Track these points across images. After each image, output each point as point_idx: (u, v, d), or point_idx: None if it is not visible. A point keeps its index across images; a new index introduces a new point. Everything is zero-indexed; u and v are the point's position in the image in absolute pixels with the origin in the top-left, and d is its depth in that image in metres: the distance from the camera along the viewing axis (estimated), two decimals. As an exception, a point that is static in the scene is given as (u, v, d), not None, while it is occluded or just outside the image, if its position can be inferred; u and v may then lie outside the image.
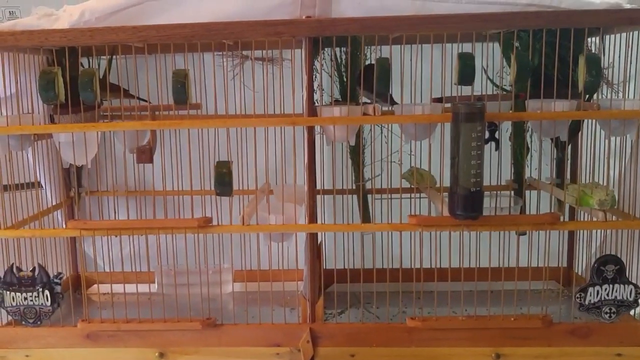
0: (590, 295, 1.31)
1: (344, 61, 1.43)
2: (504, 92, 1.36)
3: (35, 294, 1.37)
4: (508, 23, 1.21)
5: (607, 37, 1.31)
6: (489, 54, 1.29)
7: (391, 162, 1.37)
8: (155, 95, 1.34)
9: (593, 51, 1.35)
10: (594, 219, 1.34)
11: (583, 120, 1.42)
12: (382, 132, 1.45)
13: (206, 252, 1.40)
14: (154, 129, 1.42)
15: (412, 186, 1.47)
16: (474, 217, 1.23)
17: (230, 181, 1.31)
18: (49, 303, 1.37)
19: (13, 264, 1.37)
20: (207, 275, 1.39)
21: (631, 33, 1.28)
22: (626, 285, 1.31)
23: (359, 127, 1.40)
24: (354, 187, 1.51)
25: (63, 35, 1.26)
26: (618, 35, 1.29)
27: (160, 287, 1.62)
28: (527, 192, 1.53)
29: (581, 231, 1.52)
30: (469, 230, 1.29)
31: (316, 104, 1.34)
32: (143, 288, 1.48)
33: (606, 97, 1.41)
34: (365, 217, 1.51)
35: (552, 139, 1.45)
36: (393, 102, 1.37)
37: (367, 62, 1.41)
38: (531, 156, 1.49)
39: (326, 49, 1.37)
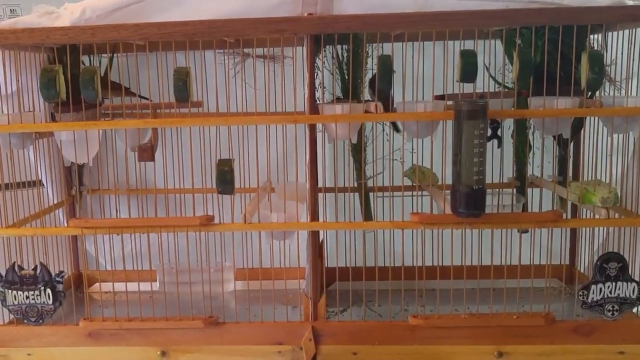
0: (593, 292, 1.31)
1: (345, 59, 1.43)
2: (506, 90, 1.36)
3: (37, 292, 1.37)
4: (510, 20, 1.21)
5: (610, 33, 1.31)
6: (491, 51, 1.28)
7: (393, 160, 1.37)
8: (156, 93, 1.34)
9: (595, 48, 1.34)
10: (597, 217, 1.33)
11: (585, 118, 1.41)
12: (383, 130, 1.45)
13: (208, 251, 1.39)
14: (155, 127, 1.42)
15: (414, 184, 1.47)
16: (477, 215, 1.23)
17: (232, 179, 1.31)
18: (50, 302, 1.37)
19: (15, 262, 1.37)
20: (209, 274, 1.39)
21: (634, 30, 1.27)
22: (629, 283, 1.30)
23: (360, 125, 1.40)
24: (355, 185, 1.51)
25: (64, 33, 1.26)
26: (621, 32, 1.28)
27: (162, 285, 1.62)
28: (530, 190, 1.52)
29: (584, 229, 1.51)
30: (471, 228, 1.28)
31: (318, 102, 1.34)
32: (145, 286, 1.49)
33: (609, 94, 1.40)
34: (367, 215, 1.50)
35: (554, 137, 1.45)
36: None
37: (371, 61, 1.41)
38: (533, 154, 1.49)
39: (328, 46, 1.37)
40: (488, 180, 1.23)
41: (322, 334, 1.35)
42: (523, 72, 1.24)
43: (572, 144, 1.51)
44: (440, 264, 1.32)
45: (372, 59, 1.39)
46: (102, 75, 1.38)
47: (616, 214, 1.33)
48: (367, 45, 1.37)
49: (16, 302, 1.38)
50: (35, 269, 1.37)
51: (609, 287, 1.30)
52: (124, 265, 1.56)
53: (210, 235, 1.41)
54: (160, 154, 1.46)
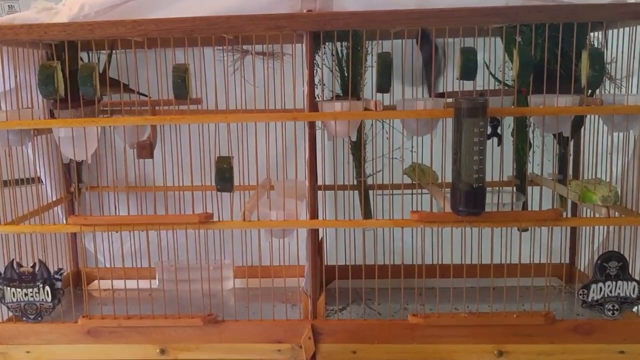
0: (593, 292, 1.30)
1: (345, 56, 1.42)
2: (506, 88, 1.35)
3: (35, 289, 1.37)
4: (510, 17, 1.20)
5: (610, 31, 1.30)
6: (491, 49, 1.28)
7: (393, 157, 1.36)
8: (155, 90, 1.33)
9: (596, 46, 1.34)
10: (597, 216, 1.33)
11: (586, 116, 1.41)
12: (383, 128, 1.45)
13: (207, 248, 1.39)
14: (154, 124, 1.42)
15: (414, 182, 1.46)
16: (476, 213, 1.22)
17: (231, 177, 1.31)
18: (49, 299, 1.37)
19: (13, 259, 1.37)
20: (208, 271, 1.38)
21: (635, 27, 1.27)
22: (629, 282, 1.30)
23: (360, 123, 1.40)
24: (355, 183, 1.50)
25: (62, 29, 1.25)
26: (621, 30, 1.28)
27: (161, 283, 1.62)
28: (530, 188, 1.52)
29: (584, 227, 1.51)
30: (471, 226, 1.28)
31: (317, 99, 1.34)
32: (144, 284, 1.48)
33: (609, 92, 1.40)
34: (367, 213, 1.50)
35: (554, 135, 1.44)
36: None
37: (370, 58, 1.41)
38: (533, 152, 1.48)
39: (327, 43, 1.36)
40: (488, 179, 1.23)
41: (321, 332, 1.35)
42: (523, 69, 1.24)
43: (572, 142, 1.50)
44: (440, 263, 1.31)
45: (372, 56, 1.38)
46: (100, 71, 1.37)
47: (616, 213, 1.33)
48: (367, 42, 1.37)
49: (15, 300, 1.38)
50: (34, 266, 1.36)
51: (609, 286, 1.30)
52: (123, 263, 1.56)
53: (209, 233, 1.40)
54: (159, 151, 1.46)
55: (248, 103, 1.40)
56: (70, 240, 1.68)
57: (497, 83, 1.42)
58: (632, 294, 1.30)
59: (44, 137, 1.51)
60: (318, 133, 1.34)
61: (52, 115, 1.42)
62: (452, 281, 1.35)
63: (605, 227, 1.39)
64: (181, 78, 1.26)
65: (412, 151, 1.40)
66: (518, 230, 1.31)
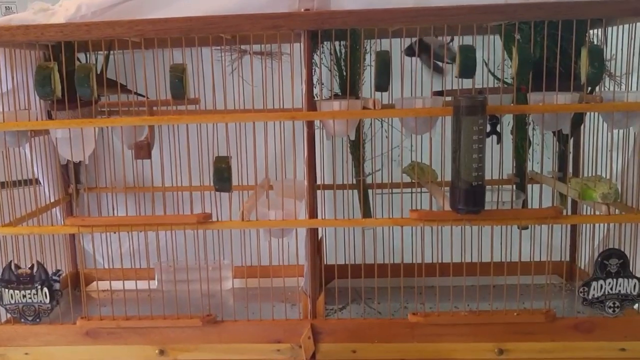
0: (594, 289, 1.30)
1: (343, 55, 1.42)
2: (506, 85, 1.35)
3: (33, 291, 1.36)
4: (509, 15, 1.20)
5: (610, 28, 1.30)
6: (490, 47, 1.27)
7: (392, 156, 1.36)
8: (153, 91, 1.32)
9: (595, 43, 1.33)
10: (597, 213, 1.33)
11: (585, 113, 1.40)
12: (382, 127, 1.44)
13: (206, 248, 1.39)
14: (152, 125, 1.41)
15: (413, 181, 1.46)
16: (476, 212, 1.22)
17: (230, 177, 1.30)
18: (47, 300, 1.36)
19: (11, 261, 1.36)
20: (206, 272, 1.38)
21: (634, 24, 1.26)
22: (630, 279, 1.30)
23: (359, 122, 1.39)
24: (354, 182, 1.50)
25: (59, 30, 1.25)
26: (621, 27, 1.27)
27: (160, 283, 1.62)
28: (529, 186, 1.51)
29: (584, 225, 1.50)
30: (470, 224, 1.27)
31: (316, 98, 1.33)
32: (143, 285, 1.48)
33: (609, 89, 1.40)
34: (366, 212, 1.49)
35: (554, 132, 1.44)
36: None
37: (369, 57, 1.40)
38: (533, 149, 1.48)
39: (325, 42, 1.36)
40: (487, 177, 1.22)
41: (321, 331, 1.34)
42: (522, 67, 1.23)
43: (572, 139, 1.50)
44: (439, 261, 1.31)
45: (371, 54, 1.38)
46: (98, 72, 1.37)
47: (617, 210, 1.32)
48: (365, 41, 1.36)
49: (13, 301, 1.37)
50: (32, 267, 1.36)
51: (609, 283, 1.30)
52: (121, 264, 1.56)
53: (208, 233, 1.40)
54: (157, 151, 1.45)
55: (246, 103, 1.39)
56: (69, 241, 1.68)
57: (496, 81, 1.42)
58: (632, 291, 1.30)
59: (42, 138, 1.51)
60: (317, 132, 1.34)
61: (49, 117, 1.41)
62: (452, 280, 1.34)
63: (606, 224, 1.39)
64: (178, 78, 1.25)
65: (411, 150, 1.39)
66: (518, 228, 1.31)
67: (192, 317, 1.36)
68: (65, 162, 1.59)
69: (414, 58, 1.37)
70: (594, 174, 1.35)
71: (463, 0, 1.23)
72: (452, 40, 1.36)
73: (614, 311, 1.31)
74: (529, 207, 1.49)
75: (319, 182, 1.37)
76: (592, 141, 1.36)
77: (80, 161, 1.44)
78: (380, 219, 1.34)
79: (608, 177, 1.32)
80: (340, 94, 1.42)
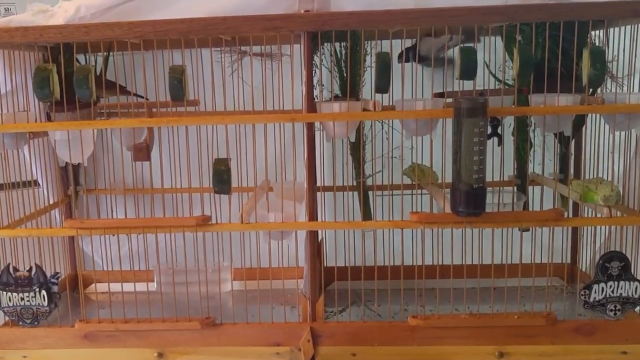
0: (595, 292, 1.29)
1: (343, 56, 1.41)
2: (507, 87, 1.34)
3: (32, 294, 1.36)
4: (510, 16, 1.19)
5: (612, 29, 1.29)
6: (491, 48, 1.27)
7: (392, 158, 1.36)
8: (152, 92, 1.32)
9: (597, 44, 1.33)
10: (599, 215, 1.32)
11: (587, 115, 1.40)
12: (382, 128, 1.44)
13: (205, 251, 1.38)
14: (151, 127, 1.41)
15: (414, 183, 1.45)
16: (477, 214, 1.21)
17: (229, 179, 1.30)
18: (46, 303, 1.36)
19: (9, 264, 1.36)
20: (206, 274, 1.37)
21: (636, 25, 1.26)
22: (631, 282, 1.29)
23: (359, 123, 1.39)
24: (354, 184, 1.49)
25: (58, 31, 1.25)
26: (623, 28, 1.27)
27: (159, 286, 1.61)
28: (531, 188, 1.51)
29: (585, 227, 1.50)
30: (471, 227, 1.27)
31: (316, 100, 1.32)
32: (141, 287, 1.47)
33: (610, 91, 1.39)
34: (366, 214, 1.49)
35: (555, 134, 1.43)
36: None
37: (369, 58, 1.40)
38: (534, 151, 1.47)
39: (325, 44, 1.35)
40: (488, 179, 1.22)
41: (320, 334, 1.34)
42: (523, 69, 1.23)
43: (573, 141, 1.49)
44: (440, 264, 1.30)
45: (371, 56, 1.37)
46: (97, 74, 1.36)
47: (618, 213, 1.32)
48: (366, 42, 1.36)
49: (11, 304, 1.37)
50: (30, 270, 1.35)
51: (611, 286, 1.29)
52: (120, 266, 1.55)
53: (207, 235, 1.39)
54: (156, 153, 1.45)
55: (246, 104, 1.39)
56: (69, 244, 1.67)
57: (497, 82, 1.41)
58: (634, 294, 1.29)
59: (41, 140, 1.50)
60: (317, 134, 1.33)
61: (49, 119, 1.41)
62: (453, 282, 1.34)
63: (607, 226, 1.39)
64: (178, 79, 1.25)
65: (411, 150, 1.39)
66: (519, 230, 1.30)
67: (191, 319, 1.35)
68: (64, 164, 1.59)
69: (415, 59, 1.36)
70: (595, 176, 1.34)
71: (463, 1, 1.23)
72: (451, 39, 1.36)
73: (615, 314, 1.30)
74: (530, 209, 1.48)
75: (318, 184, 1.36)
76: (593, 143, 1.35)
77: (79, 163, 1.44)
78: (380, 221, 1.34)
79: (610, 179, 1.32)
80: (340, 95, 1.42)
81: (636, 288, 1.29)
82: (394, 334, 1.33)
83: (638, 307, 1.33)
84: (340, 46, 1.42)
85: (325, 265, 1.51)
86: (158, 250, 1.36)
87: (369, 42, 1.39)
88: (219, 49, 1.40)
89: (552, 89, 1.24)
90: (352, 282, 1.37)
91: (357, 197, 1.52)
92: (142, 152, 1.38)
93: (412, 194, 1.40)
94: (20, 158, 1.48)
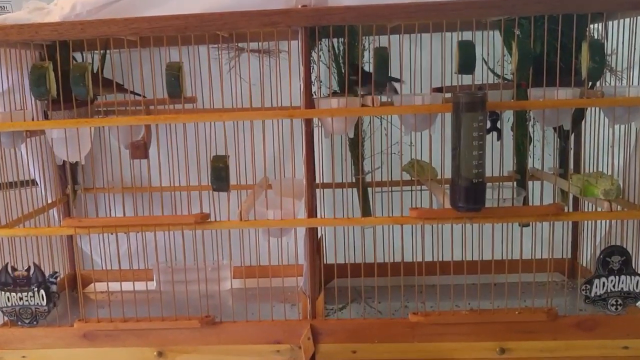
0: (596, 287, 1.29)
1: (341, 52, 1.41)
2: (506, 81, 1.34)
3: (30, 293, 1.35)
4: (508, 10, 1.19)
5: (611, 22, 1.29)
6: (490, 42, 1.26)
7: (391, 154, 1.35)
8: (149, 90, 1.31)
9: (596, 37, 1.32)
10: (599, 209, 1.31)
11: (586, 109, 1.39)
12: (381, 124, 1.43)
13: (204, 249, 1.37)
14: (148, 124, 1.40)
15: (413, 178, 1.45)
16: (477, 209, 1.21)
17: (227, 176, 1.29)
18: (44, 303, 1.35)
19: (8, 263, 1.35)
20: (205, 272, 1.37)
21: (635, 18, 1.25)
22: (632, 277, 1.28)
23: (357, 119, 1.38)
24: (353, 181, 1.49)
25: (53, 28, 1.24)
26: (622, 21, 1.26)
27: (158, 284, 1.60)
28: (530, 183, 1.50)
29: (586, 222, 1.49)
30: (471, 222, 1.26)
31: (314, 96, 1.32)
32: (140, 286, 1.46)
33: (610, 84, 1.38)
34: (366, 211, 1.49)
35: (555, 128, 1.43)
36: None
37: (367, 54, 1.39)
38: (534, 146, 1.47)
39: (323, 39, 1.35)
40: (488, 174, 1.21)
41: (320, 332, 1.33)
42: (522, 63, 1.22)
43: (573, 135, 1.49)
44: (440, 260, 1.30)
45: (369, 51, 1.37)
46: (94, 72, 1.36)
47: (619, 207, 1.31)
48: (364, 37, 1.35)
49: (9, 304, 1.36)
50: (28, 269, 1.35)
51: (612, 281, 1.28)
52: (119, 265, 1.55)
53: (206, 233, 1.39)
54: (154, 151, 1.44)
55: (244, 101, 1.38)
56: (67, 243, 1.66)
57: (496, 77, 1.40)
58: (635, 288, 1.29)
59: (38, 138, 1.50)
60: (315, 130, 1.32)
61: (46, 117, 1.40)
62: (453, 278, 1.33)
63: (608, 221, 1.38)
64: (175, 76, 1.24)
65: (410, 146, 1.38)
66: (519, 225, 1.30)
67: (190, 318, 1.34)
68: (62, 163, 1.58)
69: (413, 54, 1.35)
70: (595, 170, 1.34)
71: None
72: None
73: (616, 309, 1.30)
74: (530, 204, 1.48)
75: (317, 180, 1.36)
76: (593, 137, 1.35)
77: (76, 162, 1.43)
78: (379, 218, 1.33)
79: (610, 173, 1.31)
80: (338, 91, 1.41)
81: (637, 282, 1.28)
82: (395, 331, 1.33)
83: (639, 302, 1.33)
84: (338, 42, 1.42)
85: (324, 262, 1.50)
86: (157, 249, 1.35)
87: (367, 37, 1.38)
88: (216, 45, 1.39)
89: (551, 82, 1.23)
90: (352, 279, 1.37)
91: (356, 194, 1.51)
92: (140, 150, 1.37)
93: (411, 190, 1.39)
94: (18, 157, 1.48)
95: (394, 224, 1.31)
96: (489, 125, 1.32)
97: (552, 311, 1.30)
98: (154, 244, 1.37)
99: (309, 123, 1.29)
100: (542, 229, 1.30)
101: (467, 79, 1.25)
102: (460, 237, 1.28)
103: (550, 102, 1.24)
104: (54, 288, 1.35)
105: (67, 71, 1.28)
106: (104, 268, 1.47)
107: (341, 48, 1.41)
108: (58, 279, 1.36)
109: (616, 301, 1.30)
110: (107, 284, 1.39)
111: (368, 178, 1.48)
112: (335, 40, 1.40)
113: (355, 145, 1.47)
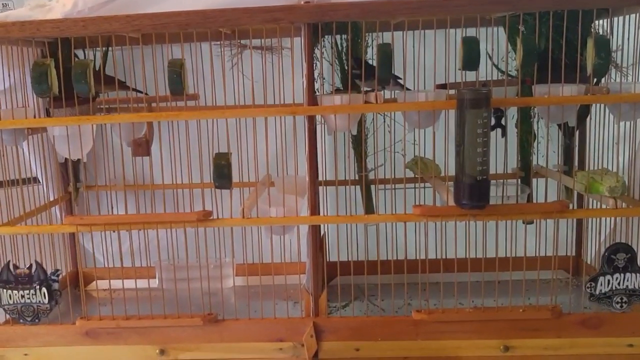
0: (601, 284, 1.28)
1: (344, 48, 1.40)
2: (510, 78, 1.33)
3: (32, 291, 1.35)
4: (513, 6, 1.18)
5: (616, 18, 1.28)
6: (494, 39, 1.25)
7: (394, 151, 1.34)
8: (151, 87, 1.31)
9: (601, 33, 1.31)
10: (604, 207, 1.31)
11: (591, 105, 1.38)
12: (384, 121, 1.42)
13: (206, 246, 1.37)
14: (150, 121, 1.40)
15: (416, 176, 1.44)
16: (481, 207, 1.20)
17: (230, 173, 1.29)
18: (46, 301, 1.35)
19: (9, 261, 1.35)
20: (207, 270, 1.36)
21: (641, 14, 1.24)
22: (638, 274, 1.28)
23: (360, 116, 1.37)
24: (356, 178, 1.48)
25: (55, 25, 1.23)
26: (627, 17, 1.25)
27: (160, 282, 1.60)
28: (535, 180, 1.49)
29: (590, 219, 1.49)
30: (475, 220, 1.26)
31: (317, 93, 1.31)
32: (142, 284, 1.46)
33: (615, 80, 1.38)
34: (369, 208, 1.48)
35: (559, 125, 1.42)
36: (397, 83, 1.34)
37: (371, 50, 1.38)
38: (538, 143, 1.46)
39: (326, 36, 1.34)
40: (492, 171, 1.20)
41: (323, 330, 1.33)
42: (527, 59, 1.22)
43: (577, 132, 1.48)
44: (443, 257, 1.29)
45: (372, 48, 1.36)
46: (96, 69, 1.35)
47: (624, 204, 1.30)
48: (367, 34, 1.34)
49: (11, 302, 1.36)
50: (30, 267, 1.34)
51: (617, 278, 1.28)
52: (121, 263, 1.54)
53: (208, 231, 1.38)
54: (156, 148, 1.44)
55: (246, 98, 1.38)
56: (69, 241, 1.66)
57: (500, 73, 1.40)
58: (640, 286, 1.28)
59: (40, 136, 1.49)
60: (318, 128, 1.32)
61: (48, 115, 1.40)
62: (457, 276, 1.32)
63: (613, 218, 1.37)
64: (177, 73, 1.23)
65: (414, 143, 1.38)
66: (523, 223, 1.29)
67: (193, 316, 1.34)
68: (64, 160, 1.57)
69: (416, 50, 1.35)
70: (600, 167, 1.33)
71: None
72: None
73: (621, 306, 1.29)
74: (534, 201, 1.47)
75: (320, 178, 1.35)
76: (598, 134, 1.34)
77: (78, 159, 1.43)
78: (383, 215, 1.32)
79: (615, 170, 1.31)
80: (341, 88, 1.41)
81: (642, 280, 1.28)
82: (398, 328, 1.32)
83: (644, 299, 1.32)
84: (342, 38, 1.41)
85: (327, 260, 1.50)
86: (159, 247, 1.35)
87: (370, 33, 1.37)
88: (218, 42, 1.38)
89: (556, 79, 1.22)
90: (355, 276, 1.37)
91: (359, 191, 1.50)
92: (142, 147, 1.37)
93: (414, 188, 1.39)
94: (20, 155, 1.47)
95: (397, 222, 1.31)
96: (493, 122, 1.32)
97: (556, 309, 1.30)
98: (156, 242, 1.36)
99: (311, 120, 1.28)
100: (547, 227, 1.29)
101: (471, 76, 1.24)
102: (464, 235, 1.27)
103: (555, 98, 1.23)
104: (55, 286, 1.35)
105: (68, 68, 1.27)
106: (106, 266, 1.46)
107: (344, 45, 1.40)
108: (60, 276, 1.36)
109: (621, 299, 1.29)
110: (109, 282, 1.38)
111: (371, 175, 1.47)
112: (338, 36, 1.39)
113: (359, 142, 1.46)
